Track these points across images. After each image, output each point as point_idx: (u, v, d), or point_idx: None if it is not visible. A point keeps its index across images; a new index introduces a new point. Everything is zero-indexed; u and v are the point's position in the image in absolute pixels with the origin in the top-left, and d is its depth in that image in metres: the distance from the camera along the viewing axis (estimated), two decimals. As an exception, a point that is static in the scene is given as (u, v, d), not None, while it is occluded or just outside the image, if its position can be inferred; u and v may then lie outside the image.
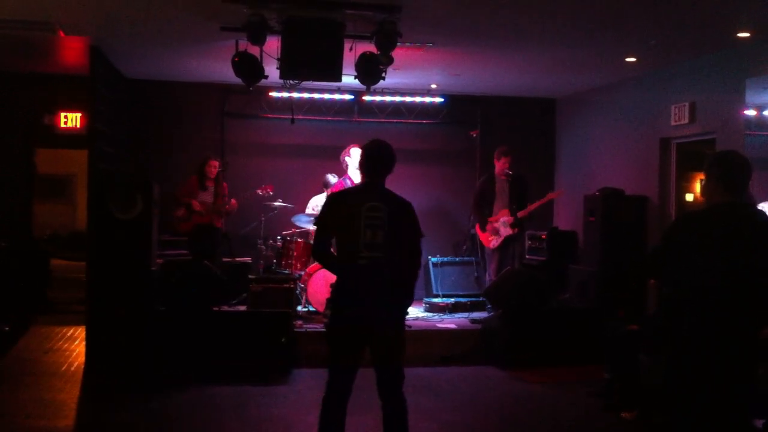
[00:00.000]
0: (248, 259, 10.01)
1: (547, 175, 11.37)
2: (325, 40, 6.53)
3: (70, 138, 10.51)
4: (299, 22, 6.42)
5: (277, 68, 6.76)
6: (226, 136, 10.71)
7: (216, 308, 8.23)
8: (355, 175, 8.85)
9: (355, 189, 4.72)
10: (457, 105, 11.07)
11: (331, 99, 10.66)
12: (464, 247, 10.83)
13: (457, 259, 10.75)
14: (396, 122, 10.97)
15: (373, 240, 4.47)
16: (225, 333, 7.87)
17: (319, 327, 8.52)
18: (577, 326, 8.24)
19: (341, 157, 9.19)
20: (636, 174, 9.27)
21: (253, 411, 6.47)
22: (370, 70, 7.17)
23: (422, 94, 10.73)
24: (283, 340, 7.88)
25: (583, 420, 6.42)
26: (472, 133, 11.14)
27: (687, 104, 8.29)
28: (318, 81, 7.92)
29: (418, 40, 7.35)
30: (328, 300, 8.93)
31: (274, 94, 10.42)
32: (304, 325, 8.57)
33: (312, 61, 6.59)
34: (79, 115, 10.40)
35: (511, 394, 7.18)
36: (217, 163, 9.62)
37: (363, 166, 4.70)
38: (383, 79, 7.34)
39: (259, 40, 6.53)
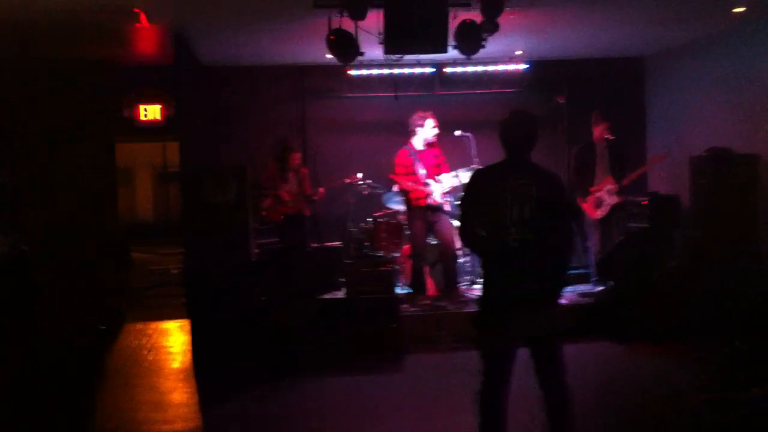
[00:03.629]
0: (338, 244, 9.78)
1: (637, 138, 10.88)
2: (430, 10, 6.18)
3: (150, 130, 10.35)
4: (402, -9, 6.08)
5: (380, 43, 6.44)
6: (307, 116, 10.45)
7: (318, 296, 8.04)
8: (418, 143, 8.52)
9: (499, 165, 4.38)
10: (542, 70, 10.60)
11: (411, 73, 10.28)
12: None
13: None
14: (479, 93, 10.58)
15: (521, 217, 4.15)
16: (330, 321, 7.67)
17: (419, 309, 8.27)
18: (695, 296, 7.81)
19: (411, 122, 8.75)
20: (744, 132, 8.74)
21: (372, 401, 6.28)
22: (471, 39, 6.84)
23: (505, 62, 10.28)
24: (392, 325, 7.63)
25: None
26: (558, 99, 10.69)
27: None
28: (424, 54, 7.55)
29: (523, 3, 6.93)
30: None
31: (353, 72, 10.09)
32: (409, 308, 8.30)
33: (417, 32, 6.28)
34: (159, 107, 10.21)
35: (639, 371, 6.82)
36: (299, 155, 9.41)
37: (505, 138, 4.35)
38: (483, 47, 6.98)
39: (359, 14, 6.22)
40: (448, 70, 10.20)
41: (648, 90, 11.02)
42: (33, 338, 7.28)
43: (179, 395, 6.67)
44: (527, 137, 4.34)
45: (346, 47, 6.80)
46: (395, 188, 9.54)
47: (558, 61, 10.63)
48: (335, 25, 6.79)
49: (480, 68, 10.25)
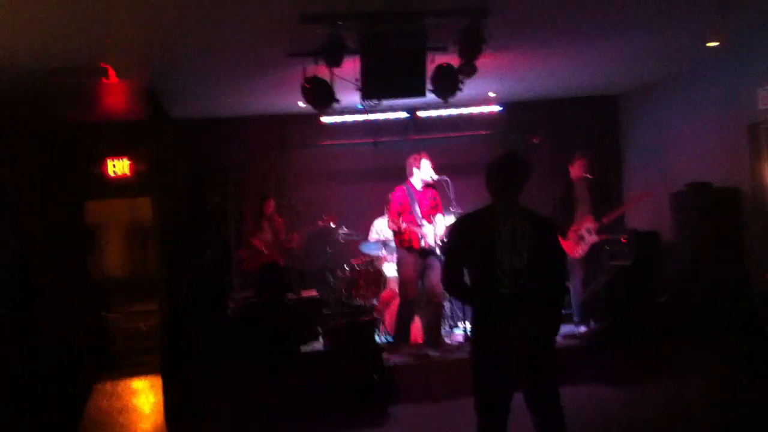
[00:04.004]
0: (314, 293, 9.56)
1: (615, 175, 10.86)
2: (408, 55, 6.08)
3: (120, 186, 10.11)
4: (379, 37, 5.96)
5: (357, 89, 6.32)
6: (283, 165, 10.31)
7: (298, 349, 7.79)
8: (416, 183, 8.38)
9: (488, 209, 4.24)
10: (516, 112, 10.60)
11: (386, 119, 10.19)
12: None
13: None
14: (454, 136, 10.52)
15: (516, 265, 3.99)
16: (313, 375, 7.42)
17: (403, 359, 8.06)
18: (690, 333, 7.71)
19: (408, 163, 8.65)
20: (722, 165, 8.72)
21: None
22: (448, 83, 6.73)
23: (479, 104, 10.24)
24: (375, 377, 7.40)
25: None
26: (534, 139, 10.64)
27: (777, 85, 7.78)
28: (403, 98, 7.45)
29: (498, 46, 6.87)
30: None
31: (326, 119, 9.99)
32: (391, 358, 8.07)
33: (395, 78, 6.16)
34: (127, 162, 10.00)
35: (635, 415, 6.64)
36: (273, 203, 9.26)
37: (495, 181, 4.22)
38: (460, 90, 6.89)
39: (335, 61, 6.09)
40: (422, 114, 10.14)
41: (624, 127, 11.04)
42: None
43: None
44: (519, 180, 4.23)
45: (322, 94, 6.66)
46: (374, 235, 9.40)
47: (532, 102, 10.63)
48: (310, 73, 6.67)
49: (454, 111, 10.20)
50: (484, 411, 4.12)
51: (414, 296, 8.19)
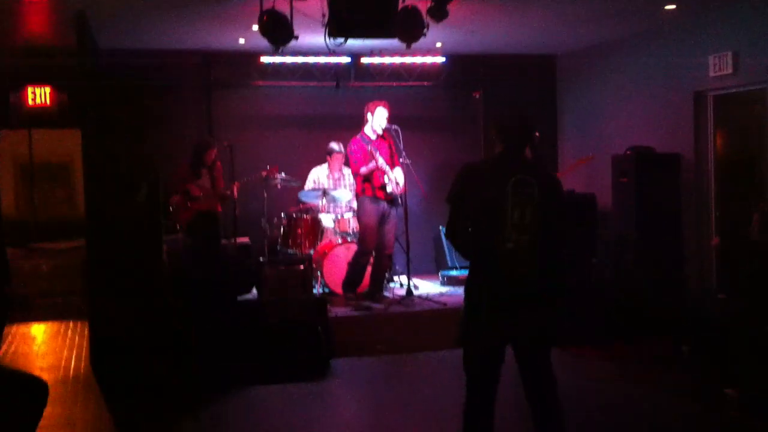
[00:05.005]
0: (246, 239, 9.18)
1: (550, 137, 10.79)
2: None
3: (38, 117, 9.38)
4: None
5: (323, 25, 5.95)
6: (212, 108, 9.80)
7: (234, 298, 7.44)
8: (370, 132, 8.12)
9: (496, 161, 4.05)
10: (459, 65, 10.38)
11: (327, 63, 9.79)
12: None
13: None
14: (395, 86, 10.22)
15: (521, 220, 3.80)
16: (251, 326, 7.10)
17: (345, 311, 7.86)
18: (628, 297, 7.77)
19: (364, 110, 8.35)
20: (665, 132, 8.76)
21: (299, 413, 5.90)
22: (413, 26, 6.45)
23: (423, 54, 9.94)
24: (319, 328, 7.16)
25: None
26: (474, 94, 10.44)
27: (730, 53, 7.79)
28: (371, 38, 7.05)
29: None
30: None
31: (266, 59, 9.53)
32: (332, 309, 7.83)
33: (364, 15, 5.81)
34: (48, 89, 9.27)
35: (584, 378, 6.61)
36: (215, 151, 8.77)
37: (504, 133, 4.01)
38: (425, 35, 6.62)
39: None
40: (365, 60, 9.80)
41: (561, 88, 10.97)
42: None
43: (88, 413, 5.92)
44: (528, 134, 4.11)
45: (280, 30, 6.26)
46: (311, 184, 9.10)
47: (476, 56, 10.41)
48: (268, 6, 6.26)
49: (398, 59, 9.90)
50: (475, 367, 3.94)
51: (374, 246, 7.99)
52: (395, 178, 8.03)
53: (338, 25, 5.89)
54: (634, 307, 7.61)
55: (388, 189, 7.94)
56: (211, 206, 8.62)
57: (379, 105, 8.04)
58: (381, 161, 7.86)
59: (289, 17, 6.28)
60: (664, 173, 8.53)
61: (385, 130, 8.12)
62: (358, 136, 8.09)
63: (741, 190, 8.26)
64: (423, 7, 6.37)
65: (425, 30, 6.52)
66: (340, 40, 6.10)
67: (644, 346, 7.28)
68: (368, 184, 7.97)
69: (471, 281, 4.02)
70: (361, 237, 8.12)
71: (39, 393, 3.65)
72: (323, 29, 6.01)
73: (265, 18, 6.25)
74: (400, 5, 6.15)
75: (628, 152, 8.69)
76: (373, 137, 8.05)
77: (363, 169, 7.92)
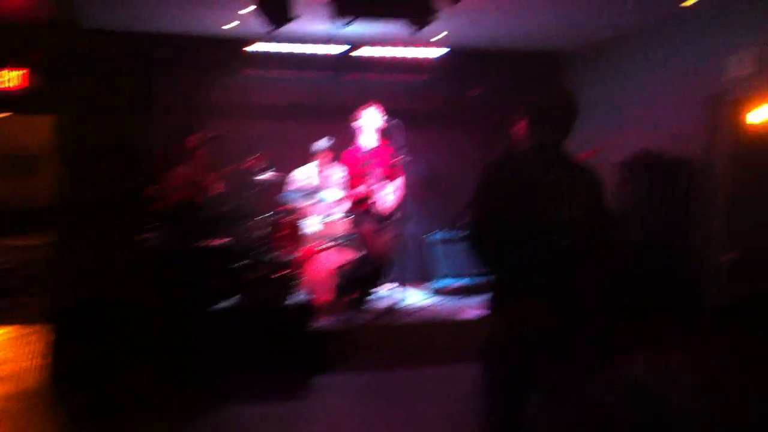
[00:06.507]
0: (225, 241, 8.59)
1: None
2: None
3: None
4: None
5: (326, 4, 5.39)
6: (199, 95, 9.22)
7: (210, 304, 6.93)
8: (366, 143, 7.61)
9: (528, 156, 3.48)
10: (459, 60, 9.79)
11: (322, 53, 9.22)
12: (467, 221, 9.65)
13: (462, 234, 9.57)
14: (390, 79, 9.64)
15: (559, 221, 3.29)
16: (232, 333, 6.61)
17: (329, 321, 7.35)
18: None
19: (352, 119, 7.85)
20: (677, 135, 8.23)
21: None
22: (424, 10, 5.95)
23: (424, 44, 9.32)
24: (306, 337, 6.67)
25: None
26: (469, 93, 9.89)
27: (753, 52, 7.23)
28: (379, 19, 6.39)
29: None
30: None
31: (253, 47, 8.97)
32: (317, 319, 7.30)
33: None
34: (22, 72, 8.65)
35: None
36: (198, 139, 8.23)
37: (541, 121, 3.46)
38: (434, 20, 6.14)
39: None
40: (358, 51, 9.22)
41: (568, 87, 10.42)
42: None
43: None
44: (572, 124, 3.46)
45: (278, 9, 5.72)
46: (293, 186, 8.60)
47: (477, 51, 9.82)
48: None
49: (395, 52, 9.36)
50: (494, 391, 3.48)
51: (375, 252, 7.52)
52: (385, 197, 7.54)
53: (346, 4, 5.28)
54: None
55: (372, 208, 7.50)
56: (192, 197, 8.09)
57: (367, 108, 7.55)
58: (363, 189, 7.47)
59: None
60: (673, 179, 8.02)
61: (384, 131, 7.61)
62: (352, 149, 7.60)
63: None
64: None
65: (435, 15, 6.01)
66: (345, 21, 5.50)
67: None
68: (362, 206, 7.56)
69: (501, 298, 3.45)
70: (361, 245, 7.77)
71: None
72: (325, 8, 5.42)
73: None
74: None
75: (637, 158, 8.17)
76: (369, 147, 7.56)
77: (351, 194, 7.59)
